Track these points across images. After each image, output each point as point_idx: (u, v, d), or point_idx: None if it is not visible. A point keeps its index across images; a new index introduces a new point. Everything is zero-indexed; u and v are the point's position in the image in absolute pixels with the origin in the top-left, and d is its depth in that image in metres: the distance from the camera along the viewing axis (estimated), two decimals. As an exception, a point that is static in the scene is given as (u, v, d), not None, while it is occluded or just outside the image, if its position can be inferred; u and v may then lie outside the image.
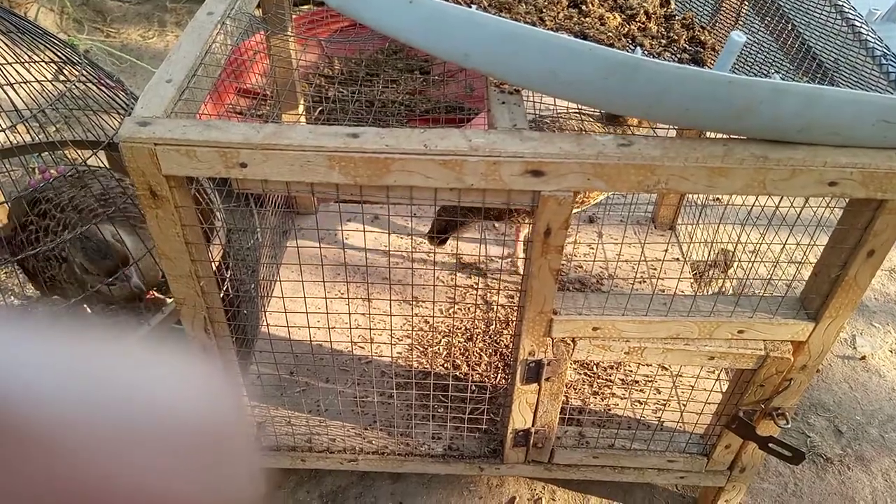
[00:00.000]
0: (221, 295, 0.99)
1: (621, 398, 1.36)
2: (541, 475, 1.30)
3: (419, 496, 1.41)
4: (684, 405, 1.30)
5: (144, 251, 1.32)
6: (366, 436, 1.28)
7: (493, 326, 1.50)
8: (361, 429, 1.30)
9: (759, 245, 1.14)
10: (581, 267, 1.65)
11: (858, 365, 1.73)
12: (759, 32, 1.05)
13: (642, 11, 0.98)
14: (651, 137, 0.81)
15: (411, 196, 0.84)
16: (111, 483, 0.30)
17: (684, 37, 0.97)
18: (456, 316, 1.53)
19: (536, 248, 0.88)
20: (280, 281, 1.50)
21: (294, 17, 1.51)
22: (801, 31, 1.01)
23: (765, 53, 1.00)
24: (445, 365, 1.43)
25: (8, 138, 1.40)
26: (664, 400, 1.35)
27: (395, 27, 0.79)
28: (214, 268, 0.97)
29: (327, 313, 1.07)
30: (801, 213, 0.92)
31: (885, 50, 0.90)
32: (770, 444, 1.12)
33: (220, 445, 0.34)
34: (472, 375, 1.40)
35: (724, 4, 1.11)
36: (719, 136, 0.83)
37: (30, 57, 1.29)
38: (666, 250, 1.64)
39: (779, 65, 0.97)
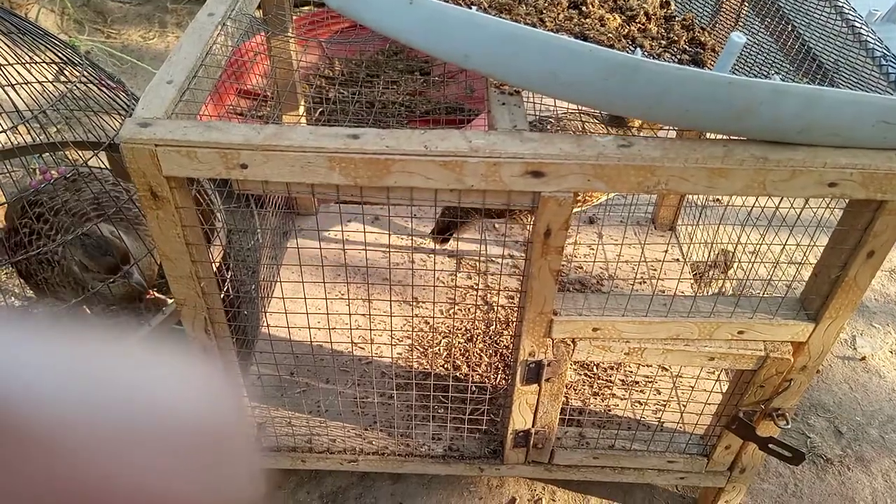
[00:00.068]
0: (222, 296, 0.99)
1: (621, 399, 1.36)
2: (541, 476, 1.30)
3: (419, 497, 1.41)
4: (684, 406, 1.30)
5: (142, 249, 1.32)
6: (366, 436, 1.29)
7: (494, 327, 1.50)
8: (362, 429, 1.30)
9: (759, 246, 1.14)
10: (581, 268, 1.65)
11: (858, 366, 1.73)
12: (759, 33, 1.05)
13: (642, 12, 0.98)
14: (651, 138, 0.81)
15: (411, 197, 0.85)
16: (111, 483, 0.30)
17: (684, 38, 0.97)
18: (456, 317, 1.53)
19: (536, 248, 0.88)
20: (280, 282, 1.50)
21: (294, 18, 1.51)
22: (801, 32, 1.01)
23: (765, 54, 1.00)
24: (446, 366, 1.43)
25: (9, 139, 1.40)
26: (664, 400, 1.35)
27: (395, 28, 0.79)
28: (215, 269, 0.98)
29: (327, 314, 1.07)
30: (801, 213, 0.92)
31: (884, 51, 0.90)
32: (770, 445, 1.12)
33: (220, 446, 0.34)
34: (472, 376, 1.40)
35: (724, 5, 1.11)
36: (719, 137, 0.83)
37: (31, 58, 1.29)
38: (666, 251, 1.65)
39: (779, 66, 0.97)
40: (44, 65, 1.32)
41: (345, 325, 1.27)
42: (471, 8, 0.79)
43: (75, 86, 1.31)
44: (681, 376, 1.40)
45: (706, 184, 0.80)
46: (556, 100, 1.00)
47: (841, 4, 1.00)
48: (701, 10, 1.11)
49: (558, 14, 0.95)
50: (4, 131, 1.24)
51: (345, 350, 1.43)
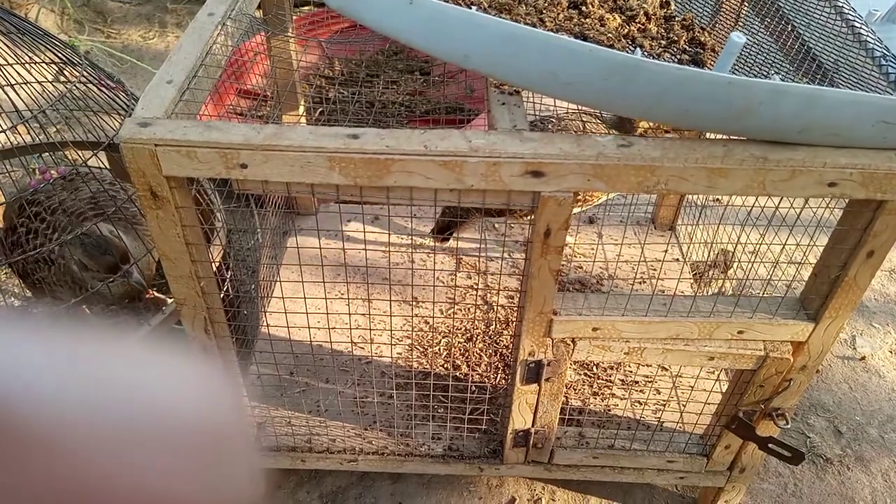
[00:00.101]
0: (222, 295, 0.99)
1: (621, 399, 1.36)
2: (540, 475, 1.30)
3: (419, 497, 1.41)
4: (684, 406, 1.30)
5: (141, 249, 1.32)
6: (366, 436, 1.29)
7: (493, 327, 1.50)
8: (361, 429, 1.30)
9: (758, 246, 1.14)
10: (581, 267, 1.65)
11: (858, 365, 1.73)
12: (759, 33, 1.05)
13: (642, 12, 0.98)
14: (651, 138, 0.81)
15: (411, 197, 0.85)
16: (111, 483, 0.30)
17: (684, 38, 0.97)
18: (456, 316, 1.53)
19: (536, 248, 0.88)
20: (280, 281, 1.50)
21: (294, 18, 1.51)
22: (801, 32, 1.01)
23: (765, 54, 1.00)
24: (445, 365, 1.43)
25: (8, 139, 1.40)
26: (664, 400, 1.35)
27: (395, 28, 0.79)
28: (215, 268, 0.98)
29: (327, 314, 1.07)
30: (800, 213, 0.92)
31: (884, 51, 0.90)
32: (770, 445, 1.12)
33: (220, 446, 0.34)
34: (471, 376, 1.40)
35: (723, 5, 1.11)
36: (719, 136, 0.83)
37: (30, 58, 1.29)
38: (666, 251, 1.65)
39: (778, 66, 0.97)
40: (43, 65, 1.32)
41: (344, 324, 1.26)
42: (471, 8, 0.79)
43: (75, 86, 1.31)
44: (680, 376, 1.40)
45: (706, 184, 0.80)
46: (556, 100, 1.00)
47: (841, 4, 1.00)
48: (701, 10, 1.11)
49: (558, 14, 0.95)
50: (4, 131, 1.24)
51: (344, 350, 1.43)
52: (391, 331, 1.45)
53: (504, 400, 1.26)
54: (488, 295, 1.59)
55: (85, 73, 1.34)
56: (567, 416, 1.30)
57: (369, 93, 2.22)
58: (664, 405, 1.33)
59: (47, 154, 1.61)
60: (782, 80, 0.84)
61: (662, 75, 0.71)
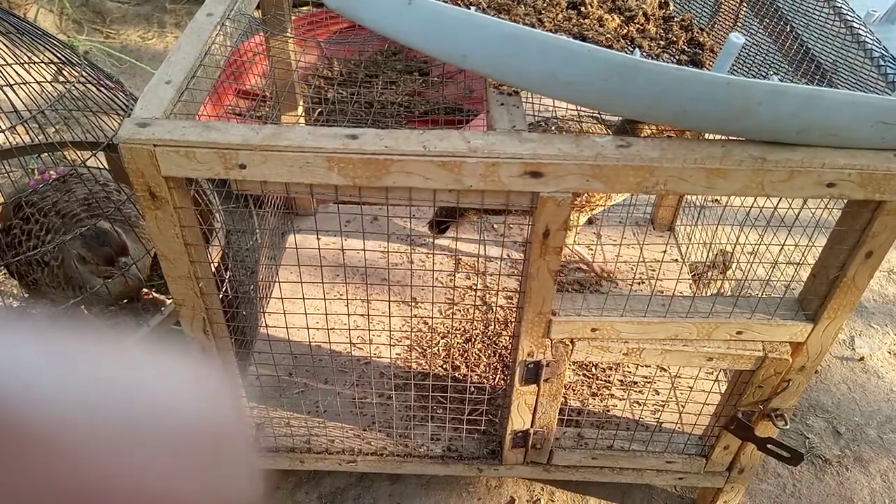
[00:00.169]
0: (220, 296, 0.99)
1: (620, 399, 1.36)
2: (539, 476, 1.30)
3: (418, 497, 1.41)
4: (683, 406, 1.30)
5: (139, 249, 1.32)
6: (364, 437, 1.28)
7: (492, 327, 1.50)
8: (360, 430, 1.30)
9: (757, 246, 1.14)
10: (580, 268, 1.65)
11: (857, 366, 1.73)
12: (758, 34, 1.05)
13: (641, 13, 0.98)
14: (649, 139, 0.81)
15: (410, 197, 0.85)
16: (111, 483, 0.30)
17: (683, 38, 0.97)
18: (455, 317, 1.53)
19: (535, 249, 0.88)
20: (279, 282, 1.50)
21: (293, 18, 1.51)
22: (800, 32, 1.01)
23: (763, 55, 1.00)
24: (444, 366, 1.43)
25: (7, 139, 1.40)
26: (663, 401, 1.35)
27: (394, 28, 0.79)
28: (213, 269, 0.97)
29: (326, 314, 1.07)
30: (799, 214, 0.92)
31: (883, 51, 0.90)
32: (768, 445, 1.12)
33: (219, 446, 0.34)
34: (470, 376, 1.40)
35: (722, 6, 1.11)
36: (718, 137, 0.83)
37: (29, 58, 1.29)
38: (664, 251, 1.65)
39: (777, 66, 0.97)
40: (42, 65, 1.32)
41: (343, 325, 1.27)
42: (469, 8, 0.80)
43: (74, 86, 1.31)
44: (679, 377, 1.40)
45: (705, 184, 0.81)
46: (555, 100, 1.00)
47: (839, 5, 1.00)
48: (699, 11, 1.11)
49: (557, 14, 0.95)
50: (3, 131, 1.24)
51: (343, 350, 1.43)
52: (390, 331, 1.45)
53: (503, 400, 1.26)
54: (487, 295, 1.59)
55: (84, 74, 1.34)
56: (566, 417, 1.30)
57: (368, 93, 2.22)
58: (663, 406, 1.33)
59: (46, 154, 1.61)
60: (781, 81, 0.84)
61: (661, 76, 0.71)
